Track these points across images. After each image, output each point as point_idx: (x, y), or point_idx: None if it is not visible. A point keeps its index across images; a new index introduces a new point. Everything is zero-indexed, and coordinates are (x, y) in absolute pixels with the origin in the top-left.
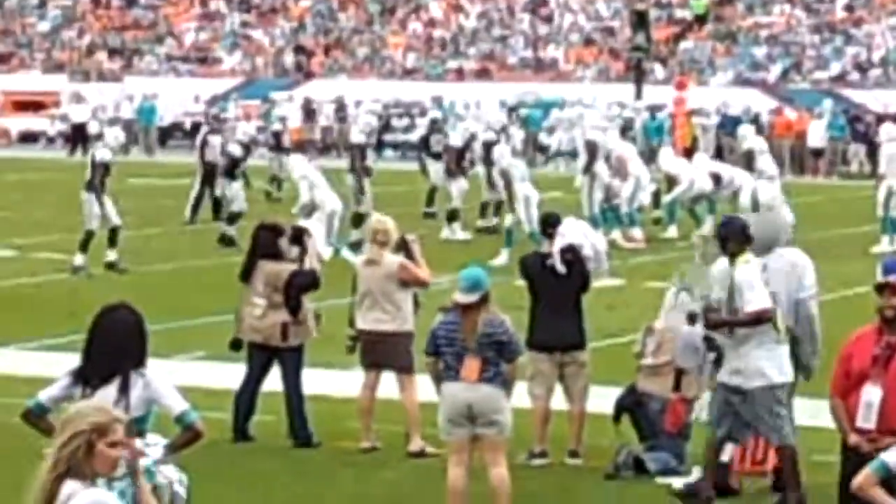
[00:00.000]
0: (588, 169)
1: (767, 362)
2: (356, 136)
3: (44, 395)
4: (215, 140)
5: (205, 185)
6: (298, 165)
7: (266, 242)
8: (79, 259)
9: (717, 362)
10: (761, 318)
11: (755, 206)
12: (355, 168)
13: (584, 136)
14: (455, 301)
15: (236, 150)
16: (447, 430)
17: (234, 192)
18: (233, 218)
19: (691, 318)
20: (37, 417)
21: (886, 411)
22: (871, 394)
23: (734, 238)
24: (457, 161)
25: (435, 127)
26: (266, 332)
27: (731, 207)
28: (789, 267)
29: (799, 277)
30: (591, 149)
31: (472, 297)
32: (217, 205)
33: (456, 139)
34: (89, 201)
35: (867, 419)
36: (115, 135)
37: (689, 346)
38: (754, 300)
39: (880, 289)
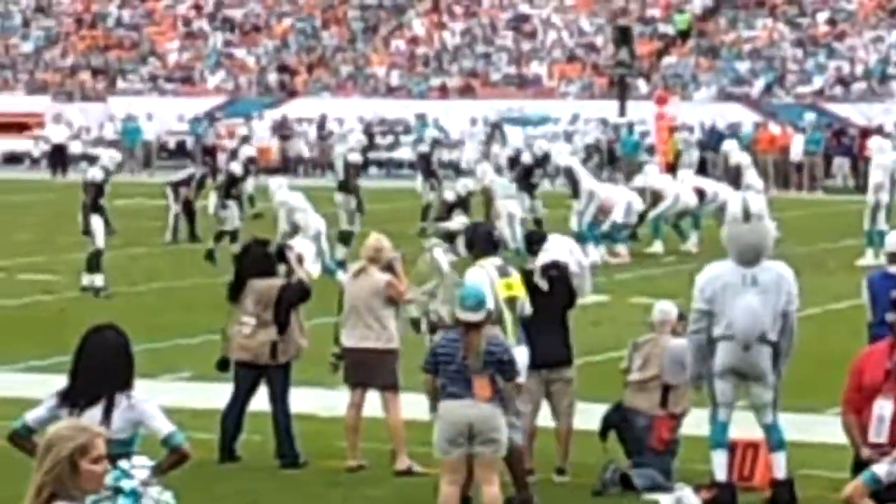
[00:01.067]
0: (575, 194)
1: None
2: (352, 156)
3: (30, 417)
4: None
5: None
6: (279, 191)
7: (258, 259)
8: (98, 280)
9: None
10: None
11: (746, 216)
12: (349, 187)
13: (560, 164)
14: (460, 319)
15: (237, 170)
16: (445, 450)
17: (228, 211)
18: (221, 236)
19: (414, 324)
20: (22, 438)
21: None
22: (884, 408)
23: (479, 243)
24: (447, 211)
25: (435, 146)
26: (255, 351)
27: (716, 222)
28: (777, 278)
29: (787, 290)
30: (570, 175)
31: (478, 316)
32: (193, 226)
33: (450, 194)
34: (92, 222)
35: (879, 433)
36: (111, 155)
37: (675, 361)
38: None
39: (894, 304)
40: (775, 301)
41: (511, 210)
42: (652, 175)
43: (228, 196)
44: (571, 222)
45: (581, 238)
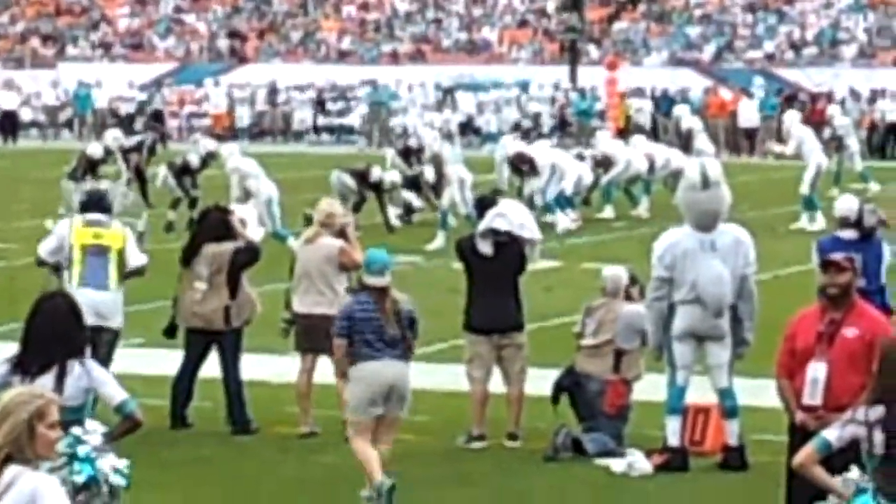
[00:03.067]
0: (533, 170)
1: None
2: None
3: None
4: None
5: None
6: (231, 157)
7: (215, 224)
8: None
9: None
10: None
11: (705, 183)
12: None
13: (510, 154)
14: (368, 284)
15: (194, 161)
16: (363, 411)
17: (170, 186)
18: (177, 203)
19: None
20: None
21: (832, 387)
22: (817, 370)
23: (88, 205)
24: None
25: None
26: (208, 317)
27: (667, 188)
28: (734, 243)
29: (744, 254)
30: (523, 159)
31: (385, 279)
32: (144, 193)
33: (430, 173)
34: (67, 189)
35: (813, 395)
36: (115, 136)
37: (629, 327)
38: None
39: (824, 266)
40: (734, 265)
41: (461, 175)
42: (603, 140)
43: (181, 179)
44: (536, 199)
45: (548, 210)
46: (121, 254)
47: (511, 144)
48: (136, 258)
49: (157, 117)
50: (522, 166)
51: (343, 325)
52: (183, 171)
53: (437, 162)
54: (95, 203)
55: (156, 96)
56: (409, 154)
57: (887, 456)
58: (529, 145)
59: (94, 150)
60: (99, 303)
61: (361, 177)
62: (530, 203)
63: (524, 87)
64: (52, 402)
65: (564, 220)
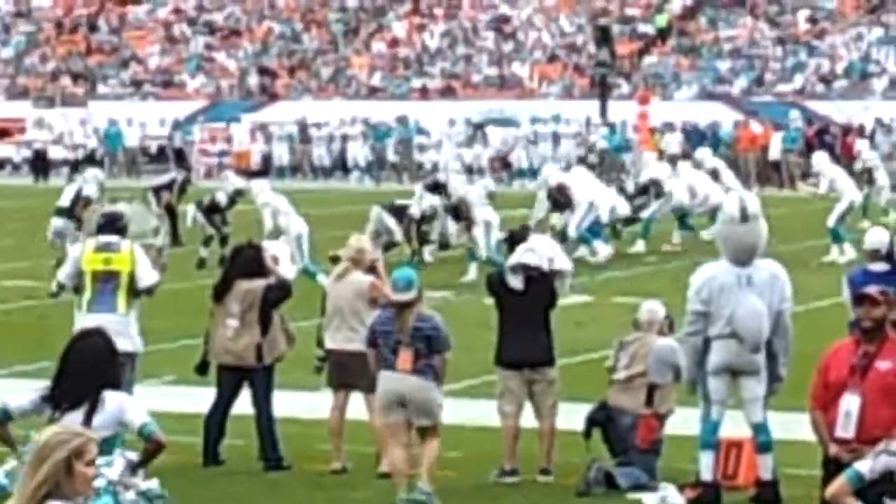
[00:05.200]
0: (568, 205)
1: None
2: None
3: (12, 404)
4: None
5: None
6: (262, 192)
7: (248, 261)
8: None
9: None
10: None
11: (744, 215)
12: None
13: (552, 184)
14: (392, 299)
15: (222, 200)
16: (383, 415)
17: (200, 224)
18: (209, 240)
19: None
20: None
21: (866, 420)
22: (850, 402)
23: (98, 227)
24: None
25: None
26: (239, 354)
27: (709, 221)
28: (771, 279)
29: (780, 289)
30: (563, 191)
31: (408, 295)
32: (175, 230)
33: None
34: (88, 219)
35: (846, 428)
36: (94, 173)
37: (662, 361)
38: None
39: (858, 300)
40: (770, 300)
41: (487, 217)
42: (651, 164)
43: (210, 216)
44: (569, 232)
45: (584, 241)
46: (131, 276)
47: (554, 175)
48: (147, 278)
49: (180, 155)
50: (560, 198)
51: (369, 335)
52: (211, 209)
53: (465, 206)
54: (110, 225)
55: (175, 135)
56: (438, 189)
57: None
58: (567, 173)
59: (89, 190)
60: (106, 326)
61: (400, 213)
62: (563, 235)
63: (556, 121)
64: (90, 441)
65: (604, 248)
